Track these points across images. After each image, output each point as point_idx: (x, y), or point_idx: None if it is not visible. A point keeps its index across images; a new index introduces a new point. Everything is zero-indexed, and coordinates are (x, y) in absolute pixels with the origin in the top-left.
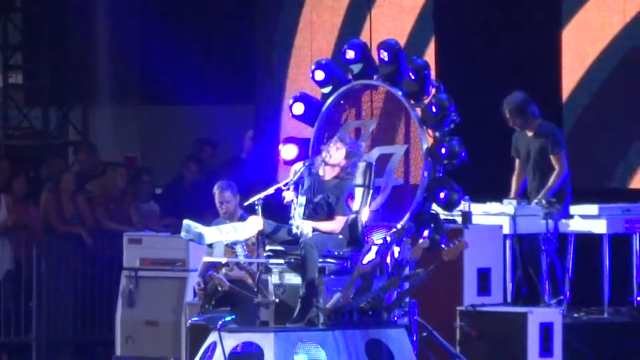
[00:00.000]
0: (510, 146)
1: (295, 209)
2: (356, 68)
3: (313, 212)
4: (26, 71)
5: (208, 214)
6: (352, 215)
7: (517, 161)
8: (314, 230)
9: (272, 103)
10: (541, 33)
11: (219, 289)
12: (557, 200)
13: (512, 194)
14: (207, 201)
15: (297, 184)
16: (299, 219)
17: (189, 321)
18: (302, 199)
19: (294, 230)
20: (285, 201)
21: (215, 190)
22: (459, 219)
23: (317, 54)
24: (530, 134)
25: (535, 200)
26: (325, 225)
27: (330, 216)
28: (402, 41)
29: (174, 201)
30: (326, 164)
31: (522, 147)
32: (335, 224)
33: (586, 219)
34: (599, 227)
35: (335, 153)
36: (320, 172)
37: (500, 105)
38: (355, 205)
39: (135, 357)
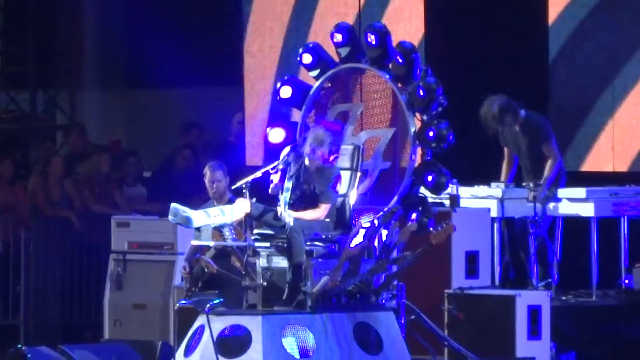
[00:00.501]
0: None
1: (281, 193)
2: (344, 51)
3: (299, 199)
4: (12, 55)
5: (196, 198)
6: (340, 199)
7: (506, 149)
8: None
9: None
10: (530, 21)
11: (205, 270)
12: (553, 185)
13: (502, 179)
14: (196, 185)
15: (285, 169)
16: (283, 207)
17: (177, 304)
18: (289, 184)
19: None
20: (271, 187)
21: (207, 170)
22: (447, 202)
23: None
24: (516, 128)
25: (524, 183)
26: (308, 215)
27: (314, 204)
28: None
29: (162, 186)
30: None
31: (510, 142)
32: (318, 213)
33: (574, 202)
34: (587, 210)
35: (315, 158)
36: (306, 162)
37: (489, 89)
38: (342, 188)
39: (123, 340)
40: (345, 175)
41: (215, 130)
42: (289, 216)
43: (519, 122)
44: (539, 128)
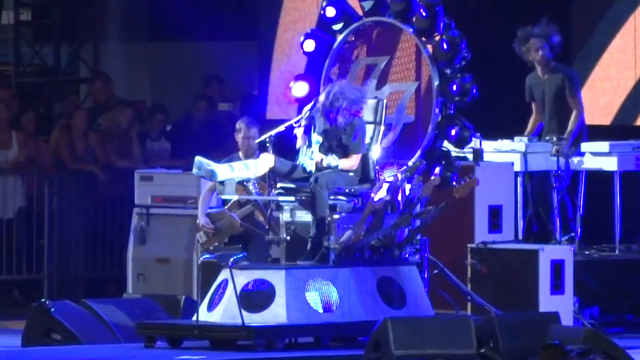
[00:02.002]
0: (523, 86)
1: (307, 146)
2: (367, 5)
3: (328, 150)
4: (37, 8)
5: (217, 152)
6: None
7: (534, 105)
8: (329, 167)
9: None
10: None
11: (239, 226)
12: (577, 139)
13: (526, 133)
14: (216, 139)
15: (309, 123)
16: (320, 154)
17: (200, 258)
18: (316, 137)
19: (308, 169)
20: (298, 142)
21: (241, 125)
22: (470, 156)
23: None
24: (545, 76)
25: (547, 137)
26: (343, 163)
27: (345, 155)
28: None
29: (183, 140)
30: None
31: (537, 90)
32: (352, 161)
33: (597, 156)
34: (610, 164)
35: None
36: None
37: (511, 41)
38: (365, 141)
39: (146, 294)
40: (368, 129)
41: (238, 83)
42: (334, 159)
43: (551, 64)
44: (568, 77)
